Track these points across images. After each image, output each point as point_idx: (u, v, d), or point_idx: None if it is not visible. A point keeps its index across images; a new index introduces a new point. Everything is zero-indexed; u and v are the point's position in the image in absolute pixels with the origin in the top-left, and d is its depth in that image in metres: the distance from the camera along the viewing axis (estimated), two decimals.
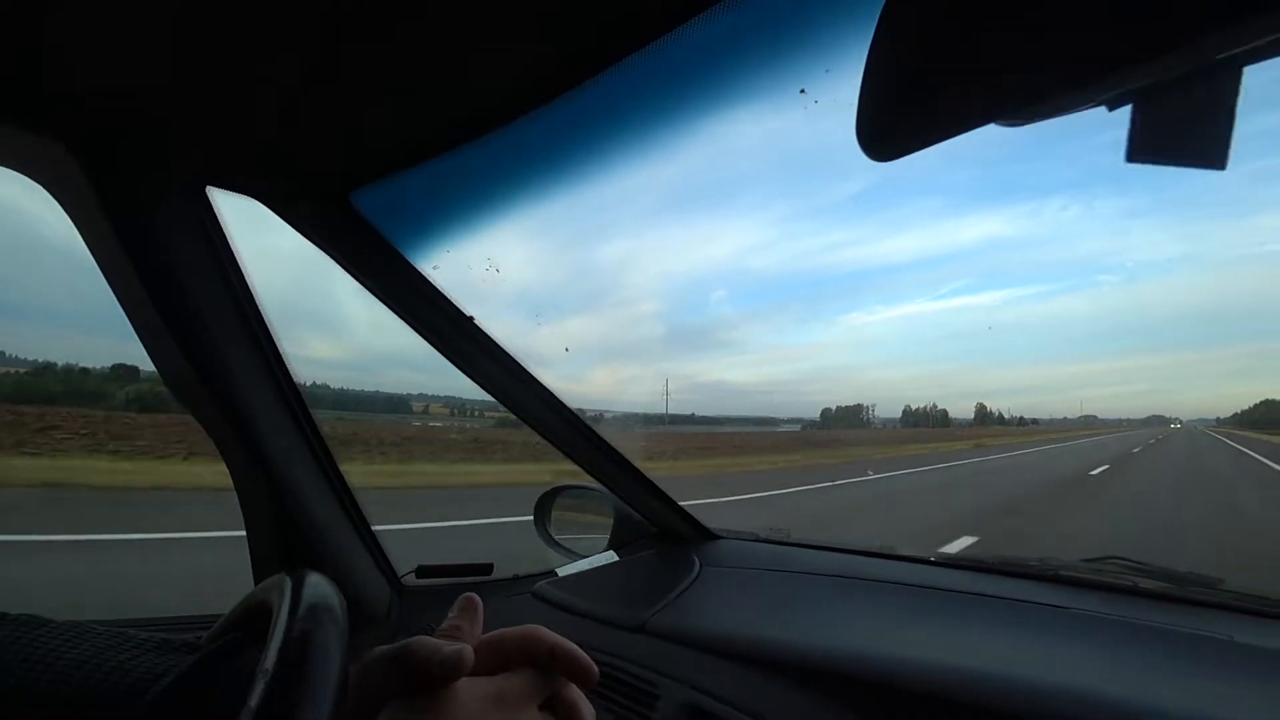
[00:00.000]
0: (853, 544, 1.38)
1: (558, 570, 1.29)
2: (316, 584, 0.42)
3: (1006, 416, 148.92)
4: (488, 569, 1.24)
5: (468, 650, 0.38)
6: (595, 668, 0.42)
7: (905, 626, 0.96)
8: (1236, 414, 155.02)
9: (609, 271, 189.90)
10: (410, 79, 0.65)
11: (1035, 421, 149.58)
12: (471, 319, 1.03)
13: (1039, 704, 0.69)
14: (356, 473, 3.76)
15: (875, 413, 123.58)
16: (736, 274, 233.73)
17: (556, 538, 1.44)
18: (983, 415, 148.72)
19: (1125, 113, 0.31)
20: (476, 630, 0.42)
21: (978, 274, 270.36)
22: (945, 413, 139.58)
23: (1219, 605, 0.96)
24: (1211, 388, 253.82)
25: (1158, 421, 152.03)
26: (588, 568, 1.31)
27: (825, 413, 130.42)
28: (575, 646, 0.41)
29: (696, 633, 0.97)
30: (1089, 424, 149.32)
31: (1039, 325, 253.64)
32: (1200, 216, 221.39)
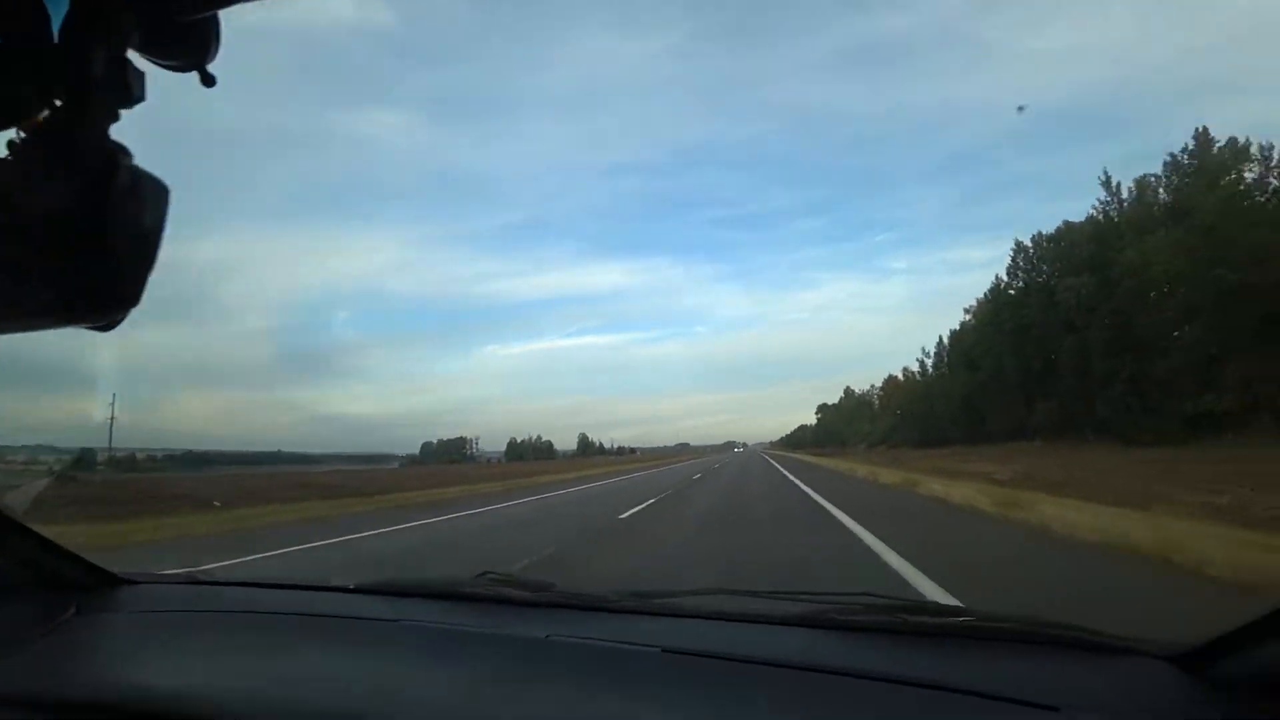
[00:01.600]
0: (285, 579, 1.47)
1: None
2: None
3: (608, 446, 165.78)
4: None
5: None
6: None
7: (280, 658, 1.02)
8: (783, 437, 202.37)
9: (202, 271, 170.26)
10: None
11: (634, 450, 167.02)
12: None
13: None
14: None
15: (479, 445, 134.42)
16: (368, 295, 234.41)
17: None
18: (585, 445, 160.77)
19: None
20: None
21: (604, 317, 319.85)
22: (550, 444, 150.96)
23: (570, 606, 1.18)
24: (772, 417, 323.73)
25: (732, 446, 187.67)
26: None
27: (426, 447, 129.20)
28: None
29: (47, 695, 0.89)
30: (681, 450, 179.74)
31: (649, 365, 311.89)
32: (763, 287, 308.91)
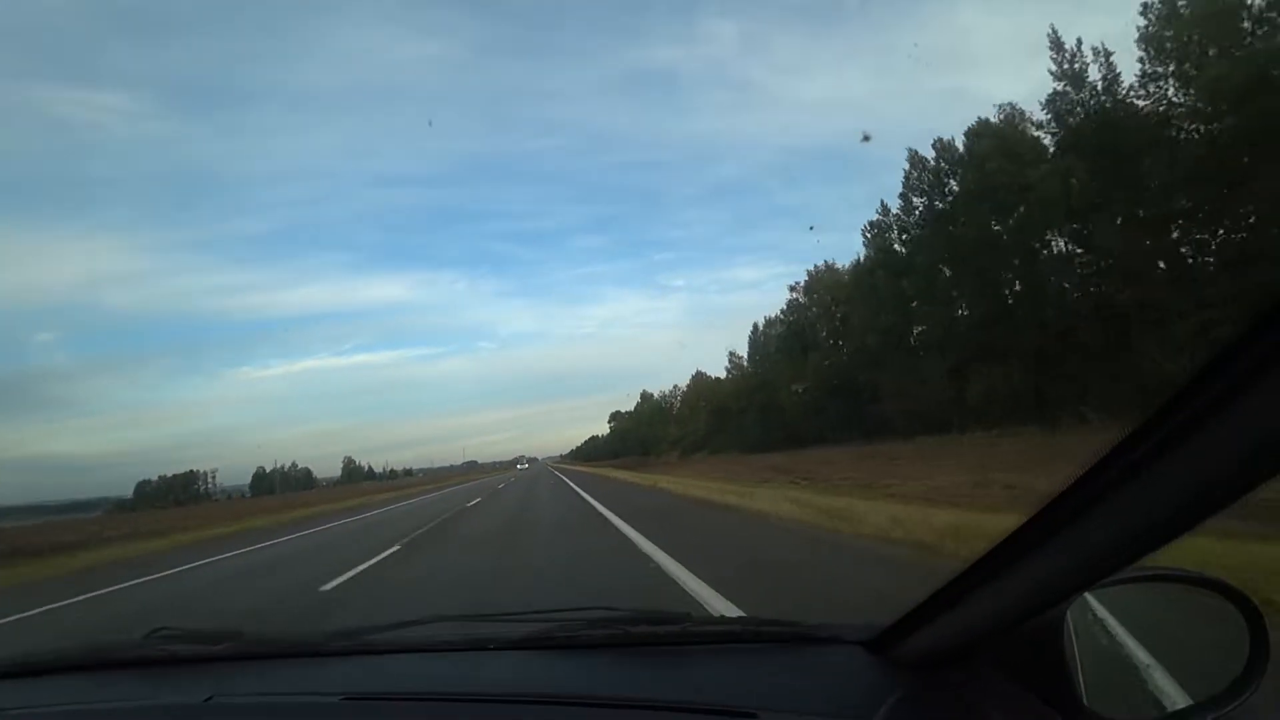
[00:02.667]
0: None
1: None
2: None
3: (379, 470, 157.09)
4: None
5: None
6: None
7: None
8: (572, 450, 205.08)
9: None
10: None
11: (410, 473, 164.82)
12: None
13: None
14: None
15: (217, 479, 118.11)
16: (79, 309, 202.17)
17: None
18: (351, 472, 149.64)
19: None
20: None
21: (378, 333, 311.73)
22: (308, 472, 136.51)
23: (250, 656, 1.08)
24: (558, 430, 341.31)
25: (522, 461, 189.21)
26: None
27: (143, 486, 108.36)
28: None
29: None
30: (469, 469, 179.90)
31: (430, 383, 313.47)
32: (549, 302, 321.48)
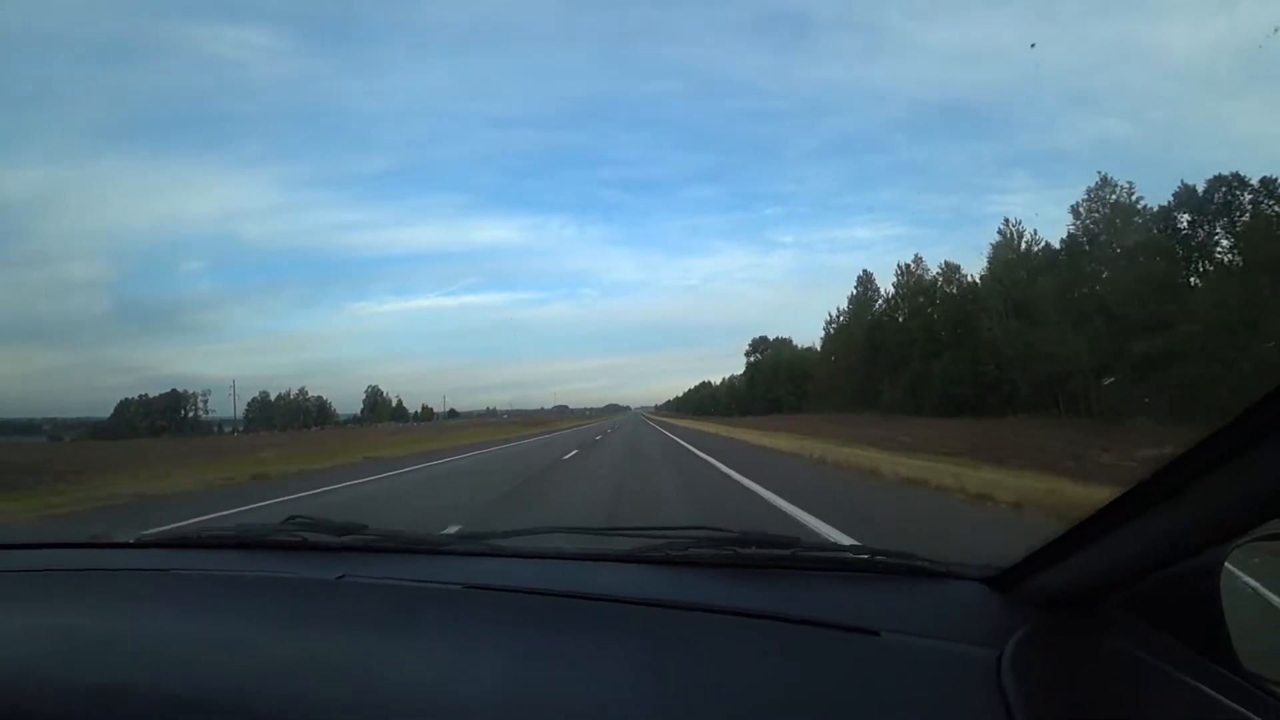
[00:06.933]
0: (54, 537, 1.39)
1: None
2: None
3: (409, 408, 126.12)
4: None
5: None
6: None
7: (33, 621, 0.91)
8: (669, 401, 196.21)
9: (14, 207, 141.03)
10: None
11: (454, 414, 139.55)
12: None
13: None
14: None
15: (208, 405, 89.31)
16: (220, 241, 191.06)
17: None
18: (374, 404, 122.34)
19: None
20: None
21: (486, 275, 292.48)
22: (325, 401, 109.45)
23: (376, 549, 1.17)
24: (650, 382, 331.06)
25: (614, 409, 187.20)
26: None
27: (124, 406, 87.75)
28: None
29: None
30: (561, 413, 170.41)
31: (531, 326, 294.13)
32: (655, 252, 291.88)
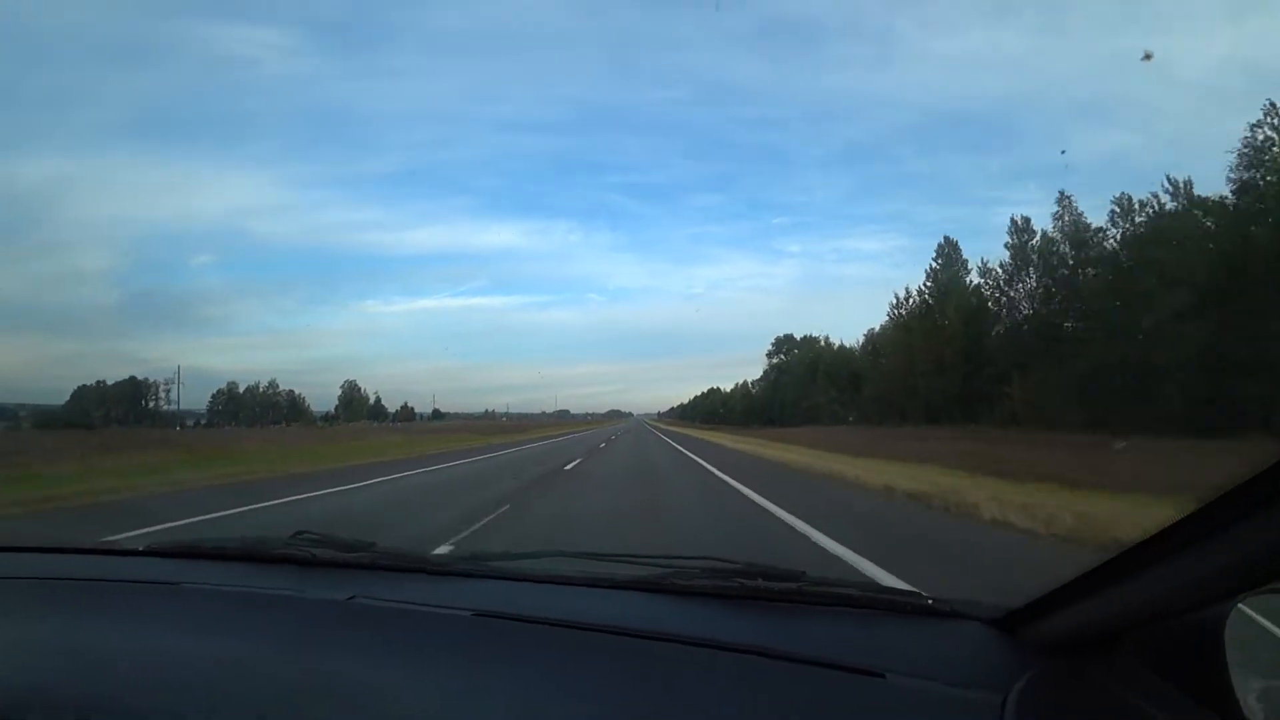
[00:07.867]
0: (62, 542, 1.37)
1: None
2: None
3: (388, 407, 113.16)
4: None
5: None
6: None
7: (31, 629, 0.93)
8: (673, 408, 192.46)
9: (27, 197, 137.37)
10: None
11: (441, 415, 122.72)
12: None
13: None
14: None
15: (170, 395, 77.79)
16: (230, 236, 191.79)
17: None
18: (351, 402, 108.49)
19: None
20: None
21: (491, 278, 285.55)
22: (297, 395, 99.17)
23: (384, 567, 1.18)
24: (653, 389, 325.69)
25: (616, 415, 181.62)
26: None
27: (80, 393, 77.31)
28: None
29: None
30: (561, 418, 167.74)
31: (534, 330, 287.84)
32: (660, 258, 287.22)
